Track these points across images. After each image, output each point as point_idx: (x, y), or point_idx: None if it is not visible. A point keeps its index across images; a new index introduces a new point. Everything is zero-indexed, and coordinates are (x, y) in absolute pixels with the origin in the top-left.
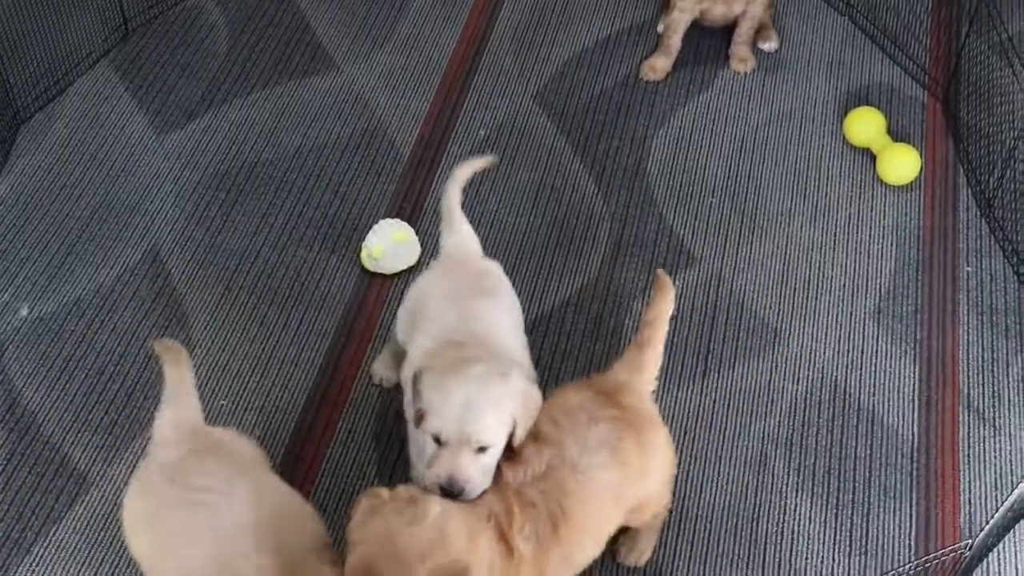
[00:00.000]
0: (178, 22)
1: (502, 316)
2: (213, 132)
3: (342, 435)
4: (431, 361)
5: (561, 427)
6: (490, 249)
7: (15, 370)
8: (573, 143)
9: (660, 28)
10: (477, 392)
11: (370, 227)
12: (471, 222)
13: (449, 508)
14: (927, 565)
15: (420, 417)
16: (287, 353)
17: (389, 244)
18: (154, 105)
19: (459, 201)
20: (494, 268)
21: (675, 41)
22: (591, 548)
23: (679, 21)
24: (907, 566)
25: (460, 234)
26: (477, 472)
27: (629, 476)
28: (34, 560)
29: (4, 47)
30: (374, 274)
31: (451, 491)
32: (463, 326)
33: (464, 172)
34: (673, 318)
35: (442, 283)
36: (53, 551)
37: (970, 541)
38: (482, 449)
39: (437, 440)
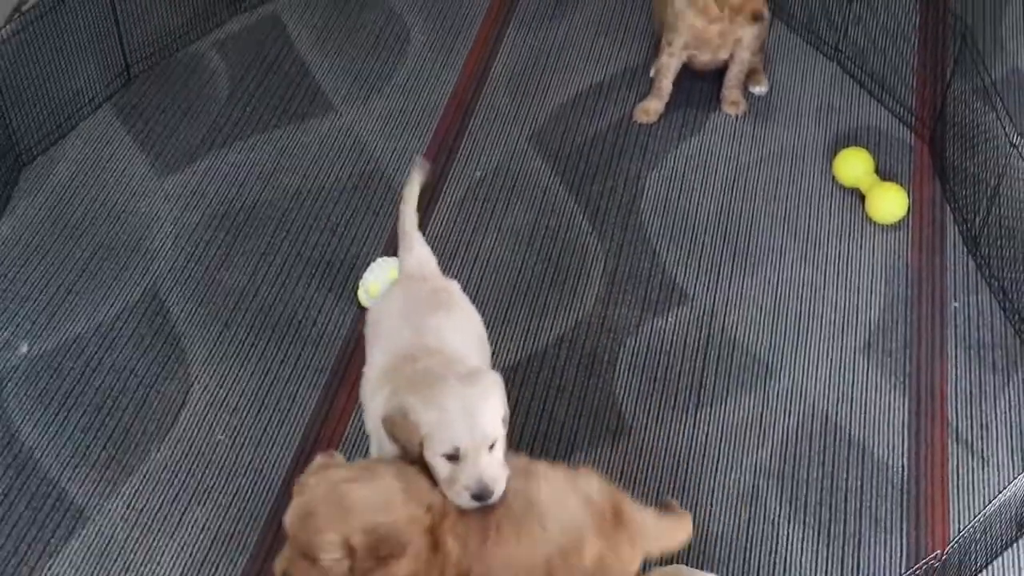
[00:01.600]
0: (180, 68)
1: (456, 329)
2: (213, 174)
3: None
4: (397, 385)
5: (542, 474)
6: (485, 287)
7: (14, 406)
8: (568, 184)
9: (652, 72)
10: (469, 394)
11: (367, 265)
12: (467, 261)
13: (401, 483)
14: None
15: (420, 446)
16: (284, 389)
17: (386, 282)
18: (155, 148)
19: (415, 222)
20: (452, 286)
21: (666, 85)
22: None
23: (668, 65)
24: None
25: (417, 254)
26: (498, 469)
27: (570, 559)
28: None
29: (8, 91)
30: None
31: (486, 498)
32: (416, 340)
33: (412, 191)
34: (666, 353)
35: (399, 301)
36: None
37: (939, 552)
38: (491, 446)
39: (451, 457)
